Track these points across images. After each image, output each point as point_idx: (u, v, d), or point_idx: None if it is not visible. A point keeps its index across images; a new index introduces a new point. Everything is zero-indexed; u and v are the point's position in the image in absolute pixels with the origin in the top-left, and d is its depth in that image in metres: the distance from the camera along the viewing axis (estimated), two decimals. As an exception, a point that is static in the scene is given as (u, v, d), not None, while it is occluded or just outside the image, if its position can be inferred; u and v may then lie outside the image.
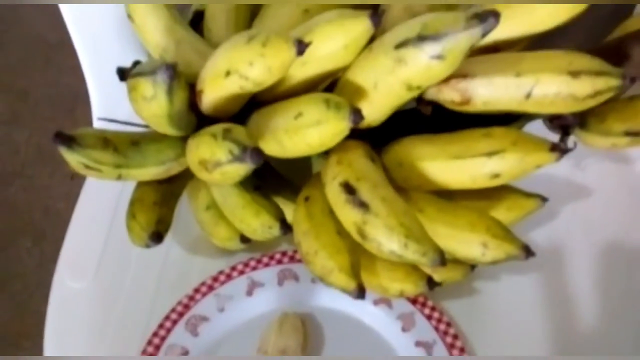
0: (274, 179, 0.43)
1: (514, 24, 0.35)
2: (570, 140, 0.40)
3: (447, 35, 0.29)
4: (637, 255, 0.45)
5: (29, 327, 0.89)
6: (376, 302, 0.42)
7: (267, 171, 0.42)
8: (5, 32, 1.20)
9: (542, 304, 0.42)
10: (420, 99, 0.36)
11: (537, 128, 0.38)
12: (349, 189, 0.33)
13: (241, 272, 0.43)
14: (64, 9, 0.45)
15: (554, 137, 0.40)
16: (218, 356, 0.41)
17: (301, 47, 0.31)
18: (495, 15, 0.29)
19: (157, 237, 0.38)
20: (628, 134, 0.39)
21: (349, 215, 0.33)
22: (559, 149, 0.34)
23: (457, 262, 0.38)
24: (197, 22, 0.44)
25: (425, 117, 0.37)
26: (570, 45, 0.35)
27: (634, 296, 0.43)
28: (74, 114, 1.08)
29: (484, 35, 0.29)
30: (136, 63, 0.44)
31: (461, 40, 0.29)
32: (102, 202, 0.46)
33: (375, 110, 0.35)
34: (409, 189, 0.38)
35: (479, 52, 0.36)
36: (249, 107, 0.38)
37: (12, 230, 1.01)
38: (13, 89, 1.16)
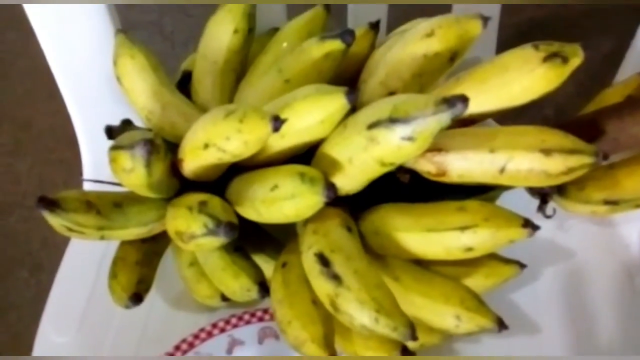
0: (257, 237, 0.44)
1: (488, 99, 0.35)
2: (550, 206, 0.41)
3: (417, 119, 0.30)
4: (621, 316, 0.45)
5: (23, 359, 0.89)
6: (355, 363, 0.42)
7: (250, 228, 0.42)
8: (13, 64, 1.23)
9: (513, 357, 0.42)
10: (399, 167, 0.37)
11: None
12: (323, 261, 0.34)
13: (222, 330, 0.44)
14: (55, 68, 0.47)
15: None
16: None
17: (277, 123, 0.32)
18: (464, 100, 0.30)
19: (137, 298, 0.39)
20: (607, 202, 0.40)
21: (322, 287, 0.34)
22: (531, 225, 0.35)
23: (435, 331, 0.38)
24: (186, 82, 0.45)
25: (403, 184, 0.38)
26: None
27: (618, 354, 0.43)
28: (76, 146, 1.09)
29: (453, 119, 0.30)
30: (125, 122, 0.45)
31: (430, 124, 0.30)
32: (87, 256, 0.47)
33: (351, 182, 0.35)
34: (385, 255, 0.38)
35: (456, 123, 0.36)
36: (231, 171, 0.38)
37: (11, 260, 1.02)
38: (17, 120, 1.18)
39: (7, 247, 1.03)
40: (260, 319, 0.44)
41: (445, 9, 0.46)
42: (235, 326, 0.44)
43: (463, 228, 0.35)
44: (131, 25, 1.22)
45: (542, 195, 0.40)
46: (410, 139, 0.31)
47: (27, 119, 1.17)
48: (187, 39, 1.19)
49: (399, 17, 0.44)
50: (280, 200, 0.34)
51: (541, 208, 0.41)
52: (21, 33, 1.26)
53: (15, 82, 1.22)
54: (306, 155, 0.37)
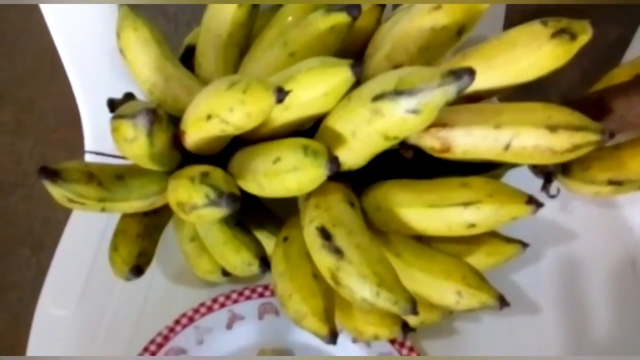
0: (258, 212, 0.44)
1: (495, 75, 0.35)
2: (554, 186, 0.41)
3: (423, 91, 0.30)
4: (622, 301, 0.44)
5: (23, 339, 0.90)
6: (355, 340, 0.42)
7: (252, 204, 0.42)
8: (14, 43, 1.22)
9: (522, 347, 0.42)
10: (402, 143, 0.37)
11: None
12: (325, 234, 0.34)
13: (222, 305, 0.44)
14: (59, 42, 0.46)
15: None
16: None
17: (281, 95, 0.32)
18: (471, 73, 0.29)
19: (137, 270, 0.39)
20: (611, 182, 0.39)
21: (323, 261, 0.33)
22: (535, 202, 0.34)
23: (436, 307, 0.38)
24: (189, 56, 0.45)
25: (407, 160, 0.38)
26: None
27: (618, 339, 0.43)
28: (78, 126, 1.09)
29: (459, 92, 0.30)
30: (127, 95, 0.44)
31: (436, 96, 0.30)
32: (88, 230, 0.47)
33: (354, 157, 0.35)
34: (387, 232, 0.38)
35: (461, 100, 0.36)
36: (233, 145, 0.38)
37: (11, 239, 1.02)
38: (19, 100, 1.17)
39: (8, 227, 1.03)
40: (261, 295, 0.44)
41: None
42: (235, 301, 0.44)
43: (466, 204, 0.34)
44: (134, 7, 1.22)
45: (546, 174, 0.40)
46: (415, 111, 0.30)
47: (30, 98, 1.17)
48: (190, 20, 1.18)
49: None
50: (283, 173, 0.34)
51: (545, 187, 0.40)
52: (23, 12, 1.25)
53: (17, 62, 1.22)
54: (310, 130, 0.37)
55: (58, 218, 1.03)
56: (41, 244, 1.00)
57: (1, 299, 0.95)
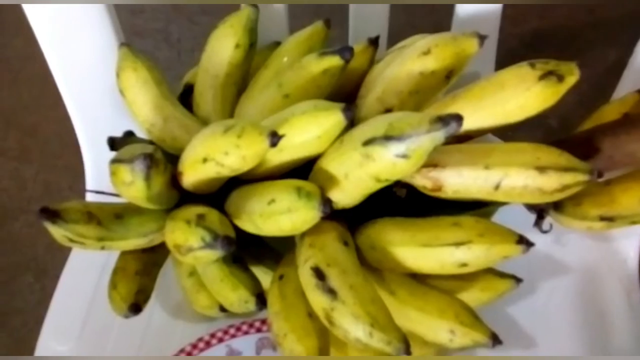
0: (257, 247, 0.44)
1: (484, 116, 0.36)
2: (547, 221, 0.41)
3: (411, 137, 0.31)
4: (615, 334, 0.45)
5: (26, 364, 0.90)
6: (351, 376, 0.42)
7: (250, 239, 0.43)
8: (19, 70, 1.24)
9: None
10: (396, 182, 0.37)
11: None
12: (319, 274, 0.34)
13: (220, 340, 0.44)
14: (59, 78, 0.47)
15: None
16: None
17: (274, 139, 0.33)
18: (458, 119, 0.30)
19: (135, 308, 0.39)
20: (603, 218, 0.40)
21: (318, 300, 0.34)
22: (526, 242, 0.35)
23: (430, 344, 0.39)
24: (187, 94, 0.46)
25: (400, 198, 0.39)
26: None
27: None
28: (81, 152, 1.11)
29: (447, 137, 0.31)
30: (127, 133, 0.45)
31: (424, 142, 0.31)
32: (88, 266, 0.48)
33: (347, 197, 0.36)
34: (382, 269, 0.39)
35: (452, 139, 0.37)
36: (230, 184, 0.39)
37: (15, 265, 1.03)
38: (23, 126, 1.19)
39: (12, 252, 1.04)
40: (258, 330, 0.45)
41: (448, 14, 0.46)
42: (233, 336, 0.44)
43: (458, 244, 0.35)
44: (138, 33, 1.23)
45: (539, 210, 0.41)
46: (404, 156, 0.31)
47: (34, 125, 1.18)
48: (193, 47, 1.20)
49: (400, 27, 0.45)
50: (277, 214, 0.34)
51: (538, 223, 0.41)
52: (29, 39, 1.27)
53: (22, 89, 1.23)
54: (304, 168, 0.38)
55: (61, 245, 1.05)
56: (45, 270, 1.01)
57: (5, 325, 0.95)
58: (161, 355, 0.43)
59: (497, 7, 0.45)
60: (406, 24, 0.41)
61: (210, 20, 0.44)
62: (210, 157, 0.34)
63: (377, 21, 0.48)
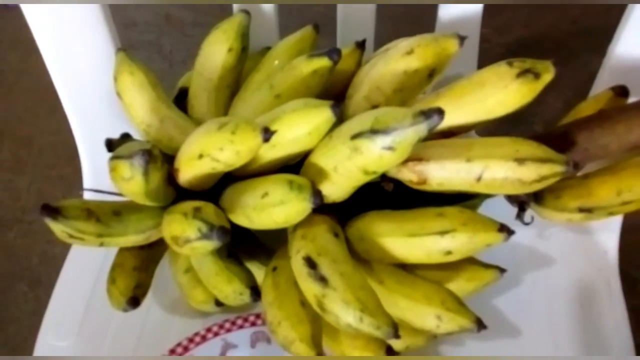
0: (250, 244, 0.46)
1: (465, 112, 0.38)
2: (528, 214, 0.43)
3: (397, 130, 0.32)
4: (596, 322, 0.46)
5: (21, 372, 0.90)
6: (343, 366, 0.44)
7: (243, 236, 0.45)
8: (14, 82, 1.25)
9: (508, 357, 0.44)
10: (383, 176, 0.39)
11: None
12: (310, 263, 0.36)
13: (216, 334, 0.45)
14: (58, 83, 0.49)
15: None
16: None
17: (267, 135, 0.35)
18: (440, 112, 0.32)
19: (134, 302, 0.41)
20: (582, 210, 0.42)
21: (310, 288, 0.36)
22: (507, 230, 0.37)
23: (419, 331, 0.40)
24: (182, 98, 0.48)
25: (387, 192, 0.40)
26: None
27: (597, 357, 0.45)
28: (75, 162, 1.11)
29: (429, 130, 0.32)
30: (124, 135, 0.47)
31: (408, 134, 0.32)
32: (87, 264, 0.49)
33: (336, 190, 0.37)
34: (371, 260, 0.40)
35: (436, 135, 0.39)
36: (224, 181, 0.41)
37: (10, 274, 1.03)
38: (18, 137, 1.20)
39: (6, 262, 1.05)
40: (253, 324, 0.46)
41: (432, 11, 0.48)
42: (228, 330, 0.46)
43: (442, 232, 0.37)
44: (131, 45, 1.25)
45: (520, 203, 0.42)
46: (390, 148, 0.33)
47: (28, 136, 1.19)
48: (185, 58, 1.21)
49: (386, 36, 0.47)
50: (270, 206, 0.36)
51: (519, 215, 0.43)
52: (23, 53, 1.28)
53: (16, 100, 1.25)
54: (296, 166, 0.39)
55: (55, 253, 1.05)
56: (39, 279, 1.01)
57: (0, 334, 0.95)
58: (160, 349, 0.44)
59: (477, 11, 0.47)
60: (392, 33, 0.43)
61: (202, 32, 0.46)
62: (205, 152, 0.36)
63: (364, 28, 0.50)
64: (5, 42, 1.31)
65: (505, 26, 1.19)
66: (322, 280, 0.35)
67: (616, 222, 0.50)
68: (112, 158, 0.36)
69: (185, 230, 0.36)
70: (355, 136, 0.34)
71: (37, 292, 1.00)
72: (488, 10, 0.48)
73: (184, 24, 1.26)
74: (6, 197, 1.13)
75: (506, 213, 0.41)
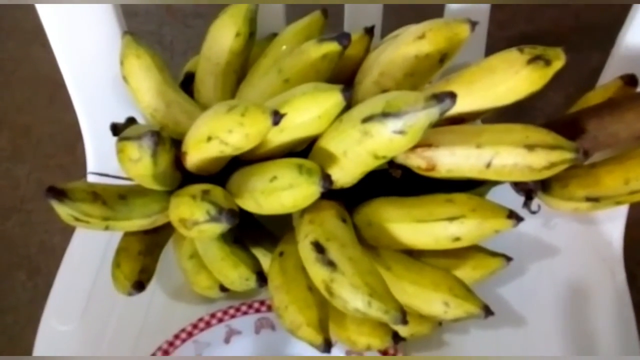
0: (255, 231, 0.46)
1: (475, 99, 0.38)
2: (535, 203, 0.43)
3: (408, 113, 0.32)
4: (601, 312, 0.47)
5: None
6: (348, 352, 0.43)
7: (249, 223, 0.44)
8: (13, 72, 1.24)
9: (508, 357, 0.44)
10: (391, 163, 0.39)
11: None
12: (318, 248, 0.36)
13: (220, 320, 0.45)
14: (64, 66, 0.49)
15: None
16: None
17: (277, 117, 0.34)
18: (452, 96, 0.32)
19: (139, 286, 0.41)
20: (589, 199, 0.42)
21: (318, 273, 0.35)
22: (515, 217, 0.37)
23: (424, 317, 0.40)
24: (188, 83, 0.47)
25: (396, 179, 0.40)
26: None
27: (598, 350, 0.45)
28: (75, 151, 1.11)
29: (441, 114, 0.32)
30: (129, 119, 0.47)
31: (420, 118, 0.32)
32: (91, 248, 0.49)
33: (345, 175, 0.37)
34: (378, 247, 0.40)
35: (445, 122, 0.39)
36: (232, 166, 0.40)
37: (8, 263, 1.03)
38: (17, 126, 1.19)
39: (5, 251, 1.04)
40: (257, 310, 0.46)
41: (438, 13, 0.48)
42: (232, 317, 0.45)
43: (451, 219, 0.37)
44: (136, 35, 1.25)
45: (527, 191, 0.42)
46: (401, 132, 0.33)
47: (27, 125, 1.19)
48: (186, 49, 1.21)
49: (394, 22, 0.46)
50: (279, 190, 0.36)
51: (526, 204, 0.43)
52: (22, 42, 1.28)
53: (15, 90, 1.24)
54: (304, 152, 0.39)
55: (54, 242, 1.05)
56: (37, 268, 1.01)
57: (-2, 322, 0.95)
58: (164, 335, 0.44)
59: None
60: (400, 21, 0.43)
61: (204, 23, 0.46)
62: (214, 135, 0.35)
63: (372, 15, 0.50)
64: (5, 32, 1.30)
65: (508, 21, 1.19)
66: (331, 264, 0.35)
67: (621, 213, 0.50)
68: (120, 139, 0.36)
69: (193, 213, 0.35)
70: (366, 119, 0.34)
71: (35, 280, 1.00)
72: (491, 5, 0.48)
73: (185, 14, 1.25)
74: (5, 186, 1.12)
75: (512, 202, 0.41)
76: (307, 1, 0.49)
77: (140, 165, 0.36)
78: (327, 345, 0.36)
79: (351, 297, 0.34)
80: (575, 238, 0.50)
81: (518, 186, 0.43)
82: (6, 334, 0.95)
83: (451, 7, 0.48)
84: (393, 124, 0.33)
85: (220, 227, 0.35)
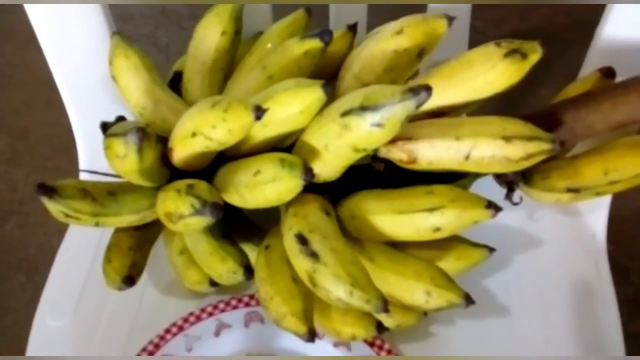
0: (243, 226, 0.47)
1: (455, 92, 0.39)
2: (517, 195, 0.44)
3: (385, 106, 0.33)
4: (584, 302, 0.47)
5: (20, 361, 0.91)
6: (336, 345, 0.44)
7: (237, 218, 0.45)
8: (10, 75, 1.25)
9: (493, 347, 0.45)
10: (374, 157, 0.40)
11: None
12: (302, 240, 0.37)
13: (210, 314, 0.46)
14: (54, 67, 0.50)
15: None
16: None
17: (259, 112, 0.35)
18: (427, 89, 0.33)
19: (129, 281, 0.41)
20: (569, 190, 0.43)
21: (301, 264, 0.36)
22: (494, 207, 0.37)
23: (409, 308, 0.41)
24: (177, 81, 0.48)
25: (378, 173, 0.41)
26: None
27: (582, 342, 0.45)
28: (72, 154, 1.12)
29: (418, 106, 0.33)
30: (119, 118, 0.48)
31: (397, 110, 0.33)
32: (83, 246, 0.50)
33: (328, 168, 0.38)
34: (362, 239, 0.41)
35: (426, 116, 0.40)
36: (217, 162, 0.41)
37: (7, 265, 1.04)
38: (14, 129, 1.20)
39: (3, 253, 1.05)
40: (247, 304, 0.47)
41: (423, 9, 0.49)
42: (222, 311, 0.46)
43: (431, 209, 0.38)
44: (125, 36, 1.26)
45: (509, 183, 0.43)
46: (379, 125, 0.34)
47: (24, 128, 1.20)
48: (181, 51, 1.21)
49: (381, 19, 0.47)
50: (263, 184, 0.37)
51: (508, 196, 0.43)
52: (18, 46, 1.29)
53: (12, 93, 1.25)
54: (289, 149, 0.40)
55: (52, 244, 1.06)
56: (36, 269, 1.02)
57: (-2, 324, 0.96)
58: (155, 329, 0.45)
59: (467, -4, 0.48)
60: (384, 18, 0.44)
61: (198, 25, 0.46)
62: (199, 131, 0.36)
63: (356, 12, 0.50)
64: (1, 36, 1.31)
65: (500, 19, 1.20)
66: (314, 255, 0.36)
67: (604, 204, 0.50)
68: (107, 136, 0.37)
69: (178, 207, 0.36)
70: (345, 113, 0.34)
71: (34, 282, 1.00)
72: (482, 4, 0.49)
73: (180, 16, 1.26)
74: (3, 189, 1.13)
75: (496, 194, 0.42)
76: (292, 1, 0.50)
77: (127, 161, 0.36)
78: (311, 335, 0.36)
79: (333, 287, 0.35)
80: (560, 230, 0.51)
81: (500, 178, 0.43)
82: (6, 336, 0.96)
83: (433, 5, 0.49)
84: (371, 117, 0.34)
85: (205, 220, 0.36)
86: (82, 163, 0.54)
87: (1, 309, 0.98)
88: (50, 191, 0.39)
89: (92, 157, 0.53)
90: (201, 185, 0.37)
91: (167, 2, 1.21)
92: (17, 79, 1.26)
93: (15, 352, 0.93)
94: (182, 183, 0.37)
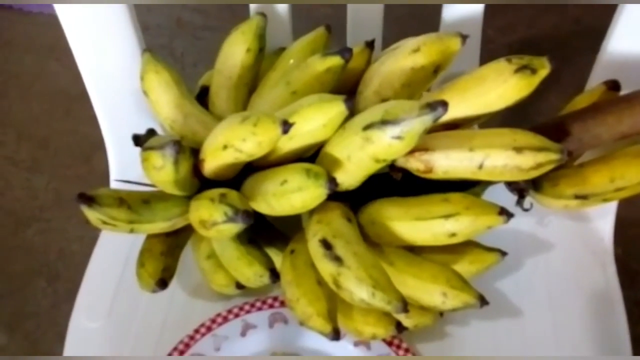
0: (268, 232, 0.49)
1: (468, 106, 0.41)
2: (528, 202, 0.46)
3: (405, 120, 0.36)
4: (593, 303, 0.49)
5: (45, 364, 0.93)
6: (356, 344, 0.47)
7: (262, 225, 0.48)
8: (31, 86, 1.29)
9: (506, 347, 0.47)
10: (392, 167, 0.42)
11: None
12: (326, 245, 0.39)
13: (236, 315, 0.49)
14: (88, 82, 0.52)
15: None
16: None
17: (286, 127, 0.38)
18: (444, 104, 0.35)
19: (162, 283, 0.44)
20: (577, 197, 0.45)
21: (326, 268, 0.39)
22: (506, 213, 0.40)
23: (426, 309, 0.43)
24: (203, 95, 0.51)
25: (396, 181, 0.43)
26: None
27: (591, 342, 0.47)
28: (91, 162, 1.15)
29: (434, 120, 0.36)
30: (150, 130, 0.50)
31: (415, 124, 0.36)
32: (116, 250, 0.52)
33: (349, 178, 0.41)
34: (382, 244, 0.44)
35: (441, 127, 0.42)
36: (245, 172, 0.44)
37: (29, 271, 1.06)
38: (35, 138, 1.23)
39: (25, 259, 1.08)
40: (271, 306, 0.49)
41: (435, 22, 0.52)
42: (248, 312, 0.49)
43: (447, 216, 0.40)
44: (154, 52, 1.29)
45: (519, 190, 0.46)
46: (399, 137, 0.36)
47: (45, 137, 1.23)
48: (197, 61, 1.25)
49: (395, 34, 0.50)
50: (289, 193, 0.39)
51: (519, 202, 0.46)
52: (39, 57, 1.32)
53: (33, 103, 1.28)
54: (311, 159, 0.43)
55: (73, 249, 1.09)
56: (57, 274, 1.05)
57: (20, 328, 0.99)
58: (185, 330, 0.47)
59: (479, 12, 0.51)
60: (399, 33, 0.46)
61: (213, 36, 0.49)
62: (229, 144, 0.39)
63: (372, 28, 0.53)
64: (22, 47, 1.35)
65: (508, 27, 1.22)
66: (337, 260, 0.38)
67: (611, 210, 0.53)
68: (145, 149, 0.39)
69: (212, 214, 0.39)
70: (367, 127, 0.37)
71: (55, 286, 1.03)
72: (492, 11, 0.51)
73: (194, 27, 1.29)
74: (24, 196, 1.16)
75: (507, 201, 0.45)
76: (313, 1, 0.52)
77: (163, 172, 0.39)
78: (336, 334, 0.39)
79: (357, 289, 0.37)
80: (568, 234, 0.53)
81: (511, 186, 0.46)
82: (28, 339, 0.98)
83: (446, 20, 0.51)
84: (391, 131, 0.36)
85: (236, 227, 0.39)
86: (113, 172, 0.57)
87: (23, 314, 1.01)
88: (89, 200, 0.41)
89: (123, 167, 0.56)
90: (233, 194, 0.40)
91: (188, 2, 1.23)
92: (37, 89, 1.29)
93: (37, 356, 0.95)
94: (215, 192, 0.40)
